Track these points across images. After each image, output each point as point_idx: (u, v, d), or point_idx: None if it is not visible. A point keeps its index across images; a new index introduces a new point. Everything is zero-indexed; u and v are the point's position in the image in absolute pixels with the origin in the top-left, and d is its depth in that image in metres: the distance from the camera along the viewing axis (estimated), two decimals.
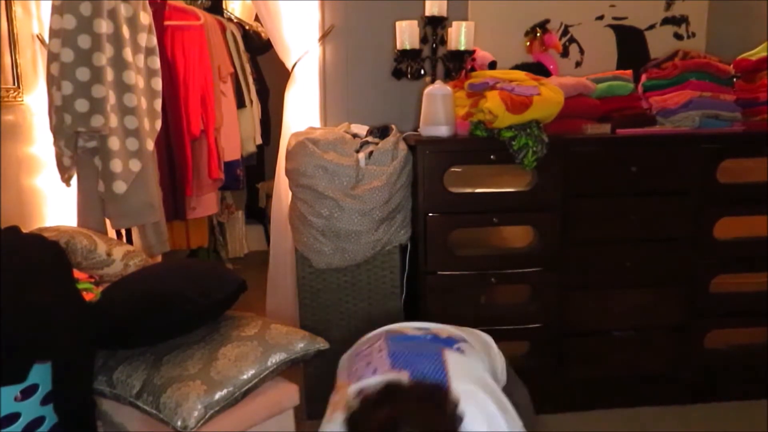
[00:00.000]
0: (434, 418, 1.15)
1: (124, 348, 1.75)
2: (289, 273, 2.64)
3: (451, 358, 1.40)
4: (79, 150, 2.31)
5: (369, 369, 1.42)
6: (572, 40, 2.79)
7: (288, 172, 2.37)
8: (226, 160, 3.12)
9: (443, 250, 2.27)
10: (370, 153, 2.29)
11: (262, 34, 3.49)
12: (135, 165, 2.33)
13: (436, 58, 2.36)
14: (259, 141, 3.39)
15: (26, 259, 1.59)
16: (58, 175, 2.41)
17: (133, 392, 1.64)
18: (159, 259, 2.61)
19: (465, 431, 1.20)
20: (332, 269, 2.32)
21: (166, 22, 2.77)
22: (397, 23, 2.29)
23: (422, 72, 2.35)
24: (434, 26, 2.31)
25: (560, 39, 2.76)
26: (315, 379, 2.41)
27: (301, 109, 2.63)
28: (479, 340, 1.58)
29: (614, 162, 2.29)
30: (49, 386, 1.51)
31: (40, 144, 2.58)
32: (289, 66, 2.61)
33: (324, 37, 2.63)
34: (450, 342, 1.49)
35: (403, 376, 1.32)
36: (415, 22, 2.28)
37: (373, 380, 1.35)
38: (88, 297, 1.81)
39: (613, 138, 2.33)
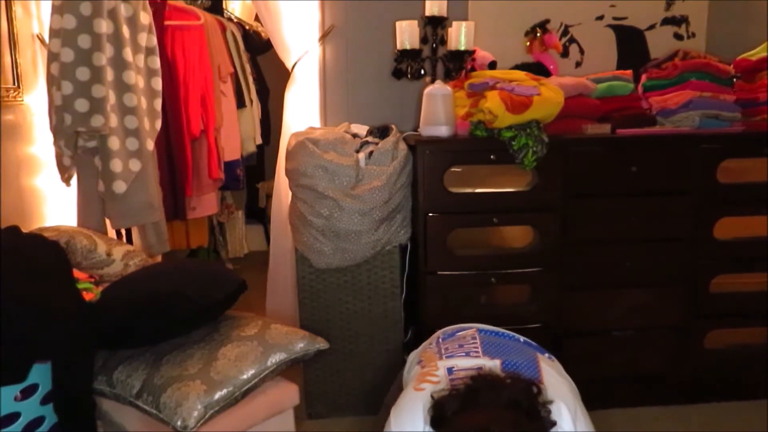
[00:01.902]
0: (526, 425, 1.13)
1: (124, 348, 1.75)
2: (289, 273, 2.64)
3: (543, 360, 1.40)
4: (79, 150, 2.30)
5: (461, 350, 1.41)
6: (572, 40, 2.79)
7: (288, 172, 2.37)
8: (226, 160, 3.12)
9: (443, 250, 2.27)
10: (370, 153, 2.29)
11: (262, 34, 3.49)
12: (135, 165, 2.33)
13: (436, 58, 2.36)
14: (259, 141, 3.39)
15: (26, 259, 1.59)
16: (58, 175, 2.41)
17: (133, 392, 1.64)
18: (159, 259, 2.61)
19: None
20: (332, 269, 2.32)
21: (166, 22, 2.77)
22: (397, 23, 2.29)
23: (422, 72, 2.35)
24: (434, 26, 2.31)
25: (560, 39, 2.76)
26: (315, 379, 2.41)
27: (301, 109, 2.63)
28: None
29: (614, 162, 2.29)
30: (49, 386, 1.51)
31: (40, 144, 2.58)
32: (289, 66, 2.61)
33: (324, 37, 2.63)
34: (542, 350, 1.50)
35: (496, 364, 1.32)
36: (415, 22, 2.28)
37: (465, 362, 1.36)
38: (88, 297, 1.81)
39: (613, 138, 2.33)
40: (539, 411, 1.18)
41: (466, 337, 1.50)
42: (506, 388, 1.19)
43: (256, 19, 3.56)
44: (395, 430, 1.27)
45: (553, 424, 1.19)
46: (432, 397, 1.23)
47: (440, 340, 1.55)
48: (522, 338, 1.55)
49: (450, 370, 1.33)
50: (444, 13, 2.29)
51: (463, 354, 1.40)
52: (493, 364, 1.32)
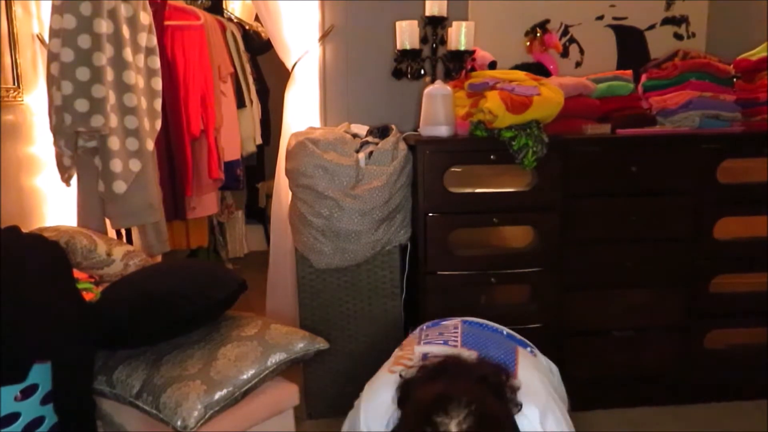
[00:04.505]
0: (487, 401, 1.12)
1: (124, 348, 1.75)
2: (289, 273, 2.64)
3: (522, 354, 1.41)
4: (79, 150, 2.31)
5: (440, 338, 1.44)
6: (572, 40, 2.79)
7: (288, 172, 2.37)
8: (226, 160, 3.12)
9: (443, 250, 2.27)
10: (370, 153, 2.29)
11: (262, 34, 3.49)
12: (135, 165, 2.33)
13: (436, 58, 2.36)
14: (259, 141, 3.39)
15: (26, 259, 1.59)
16: (58, 175, 2.41)
17: (133, 392, 1.64)
18: (159, 259, 2.61)
19: (521, 425, 1.19)
20: (332, 269, 2.32)
21: (166, 22, 2.77)
22: (397, 23, 2.29)
23: (422, 72, 2.34)
24: (434, 26, 2.31)
25: (560, 39, 2.76)
26: (315, 379, 2.41)
27: (301, 109, 2.63)
28: (545, 361, 1.60)
29: (614, 162, 2.29)
30: (49, 386, 1.50)
31: (40, 144, 2.58)
32: (289, 66, 2.61)
33: (324, 37, 2.63)
34: (524, 344, 1.51)
35: (472, 355, 1.33)
36: (415, 22, 2.28)
37: (441, 349, 1.38)
38: (88, 297, 1.81)
39: (613, 138, 2.33)
40: (505, 391, 1.19)
41: (449, 327, 1.51)
42: (474, 367, 1.22)
43: (256, 19, 3.56)
44: (364, 409, 1.34)
45: (519, 406, 1.21)
46: (400, 376, 1.26)
47: (423, 327, 1.57)
48: (505, 331, 1.56)
49: (425, 356, 1.35)
50: (444, 13, 2.29)
51: (441, 342, 1.42)
52: (469, 355, 1.33)
